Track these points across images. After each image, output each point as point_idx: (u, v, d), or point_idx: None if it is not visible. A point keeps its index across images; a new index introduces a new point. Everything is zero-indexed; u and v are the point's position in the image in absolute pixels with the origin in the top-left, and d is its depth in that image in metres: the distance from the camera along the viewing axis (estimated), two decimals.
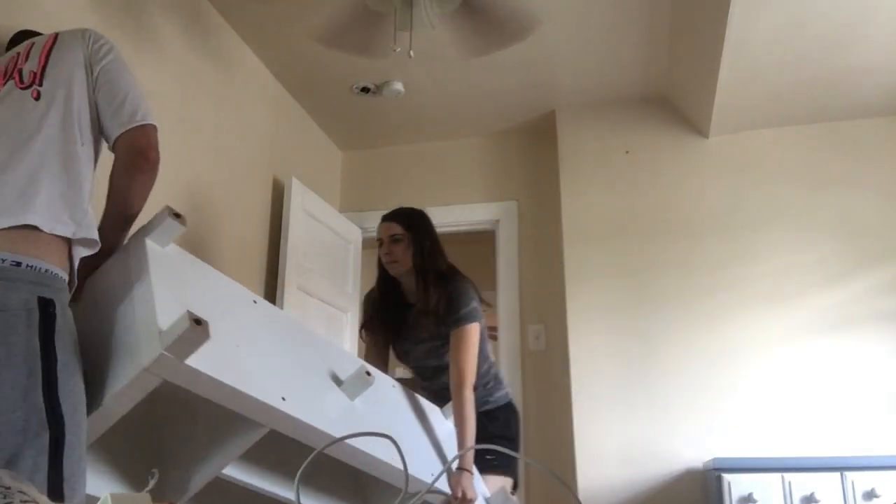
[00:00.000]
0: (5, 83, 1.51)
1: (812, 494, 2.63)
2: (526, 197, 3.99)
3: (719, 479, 2.73)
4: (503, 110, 3.86)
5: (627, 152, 3.64)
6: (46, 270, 1.26)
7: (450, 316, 2.35)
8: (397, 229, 2.47)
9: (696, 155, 3.56)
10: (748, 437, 3.12)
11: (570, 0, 2.95)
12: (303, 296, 3.42)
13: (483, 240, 4.07)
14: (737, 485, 2.70)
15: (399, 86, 3.59)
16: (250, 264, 3.28)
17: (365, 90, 3.63)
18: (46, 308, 1.23)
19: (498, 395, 2.59)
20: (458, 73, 3.48)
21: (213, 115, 3.03)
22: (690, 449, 3.15)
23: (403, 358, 2.59)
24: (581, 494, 3.15)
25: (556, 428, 3.50)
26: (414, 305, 2.48)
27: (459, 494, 2.04)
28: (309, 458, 1.02)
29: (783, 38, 2.80)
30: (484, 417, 2.38)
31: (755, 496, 2.66)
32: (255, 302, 1.60)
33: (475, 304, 2.40)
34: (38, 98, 1.45)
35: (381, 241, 2.50)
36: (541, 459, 3.48)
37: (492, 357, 2.65)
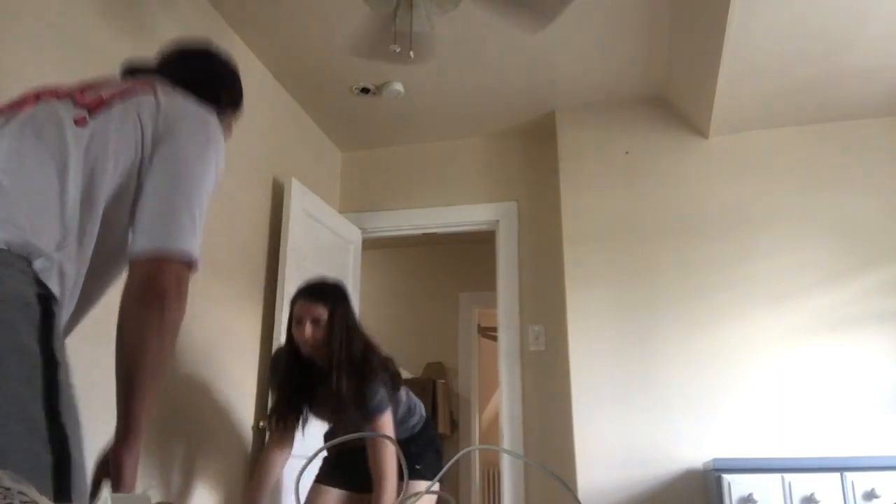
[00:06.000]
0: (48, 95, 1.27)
1: (812, 495, 2.63)
2: (526, 197, 3.99)
3: (719, 480, 2.73)
4: (503, 111, 3.86)
5: (627, 153, 3.64)
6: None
7: (361, 410, 2.35)
8: (321, 312, 2.40)
9: (696, 155, 3.56)
10: (748, 438, 3.12)
11: (570, 1, 2.95)
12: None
13: (483, 240, 4.07)
14: (737, 485, 2.70)
15: (399, 86, 3.59)
16: (250, 265, 3.27)
17: (365, 91, 3.63)
18: (48, 303, 1.05)
19: (413, 421, 2.68)
20: (458, 74, 3.48)
21: None
22: (690, 449, 3.15)
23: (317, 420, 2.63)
24: (581, 494, 3.15)
25: (556, 428, 3.50)
26: (323, 379, 2.43)
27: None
28: (310, 459, 1.02)
29: (783, 38, 2.80)
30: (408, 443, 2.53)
31: (755, 496, 2.66)
32: None
33: (382, 393, 2.40)
34: (80, 124, 1.18)
35: (298, 319, 2.42)
36: (541, 459, 3.48)
37: (410, 398, 2.71)
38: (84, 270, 1.17)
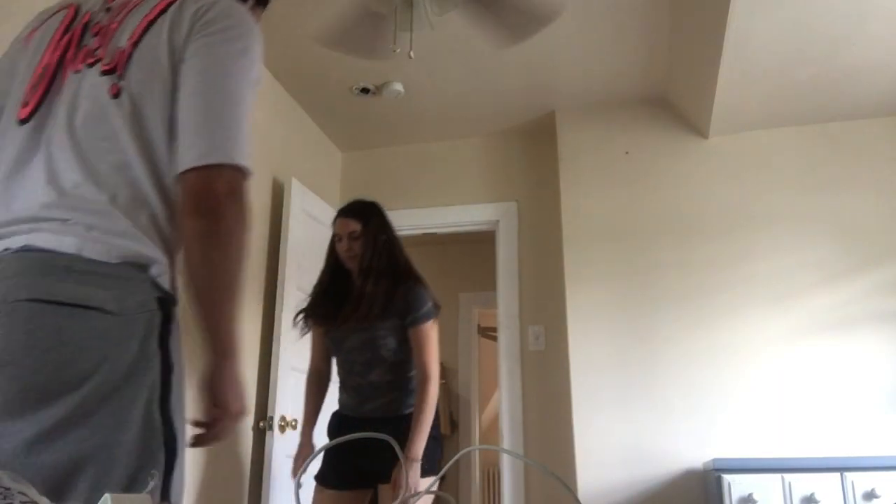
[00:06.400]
0: (71, 52, 1.17)
1: (812, 495, 2.63)
2: (526, 197, 3.99)
3: (719, 480, 2.73)
4: (503, 111, 3.86)
5: (627, 153, 3.64)
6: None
7: (409, 314, 2.45)
8: (355, 226, 2.54)
9: (696, 155, 3.56)
10: (748, 438, 3.12)
11: (570, 1, 2.95)
12: (302, 296, 3.40)
13: (483, 240, 4.07)
14: (737, 485, 2.70)
15: (399, 86, 3.59)
16: (250, 264, 3.28)
17: (365, 91, 3.63)
18: (167, 306, 1.07)
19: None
20: (458, 74, 3.48)
21: None
22: (690, 449, 3.15)
23: (335, 348, 2.62)
24: (581, 494, 3.15)
25: (556, 428, 3.50)
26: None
27: (408, 484, 2.25)
28: (310, 459, 1.02)
29: (783, 38, 2.80)
30: (405, 420, 2.45)
31: (755, 497, 2.66)
32: None
33: (431, 304, 2.51)
34: (117, 95, 1.11)
35: (339, 237, 2.57)
36: (541, 459, 3.48)
37: None
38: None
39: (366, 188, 4.21)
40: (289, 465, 3.11)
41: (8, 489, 0.63)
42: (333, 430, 2.59)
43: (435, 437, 2.51)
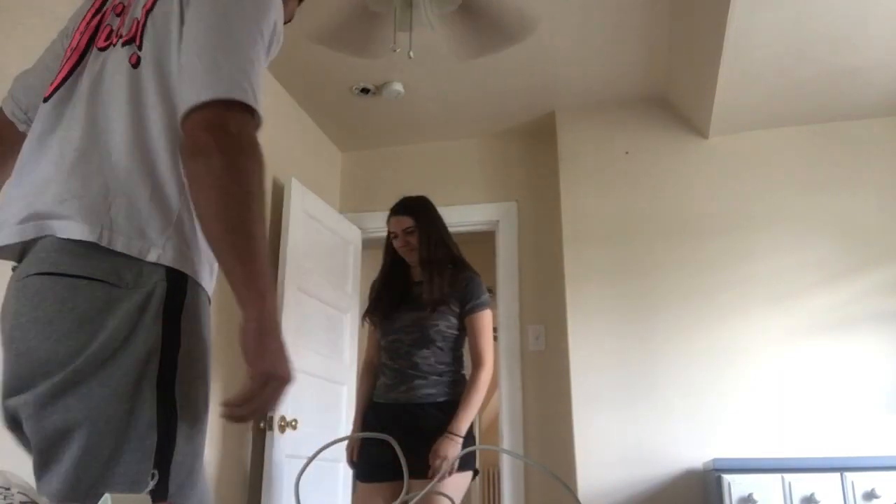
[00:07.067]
0: (99, 33, 1.17)
1: (812, 495, 2.63)
2: (526, 197, 3.99)
3: (719, 480, 2.73)
4: (503, 111, 3.86)
5: (627, 153, 3.64)
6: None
7: (469, 301, 2.58)
8: (408, 222, 2.68)
9: (696, 155, 3.56)
10: (748, 438, 3.12)
11: (569, 1, 2.95)
12: (302, 297, 3.42)
13: (483, 240, 4.07)
14: (737, 485, 2.70)
15: (399, 87, 3.59)
16: None
17: (365, 91, 3.63)
18: (177, 281, 1.02)
19: (460, 389, 2.63)
20: (457, 74, 3.48)
21: None
22: (690, 449, 3.15)
23: (382, 332, 2.67)
24: (581, 494, 3.15)
25: (556, 428, 3.50)
26: (419, 283, 2.64)
27: (444, 455, 2.34)
28: (310, 460, 1.02)
29: (783, 38, 2.80)
30: (434, 408, 2.49)
31: (755, 497, 2.66)
32: None
33: (487, 294, 2.65)
34: (136, 64, 1.10)
35: (394, 234, 2.71)
36: (541, 459, 3.48)
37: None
38: None
39: (366, 188, 4.22)
40: (289, 465, 3.11)
41: (8, 489, 0.63)
42: (371, 421, 2.61)
43: (473, 436, 2.58)
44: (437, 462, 2.34)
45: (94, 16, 1.22)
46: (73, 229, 0.99)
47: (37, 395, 0.94)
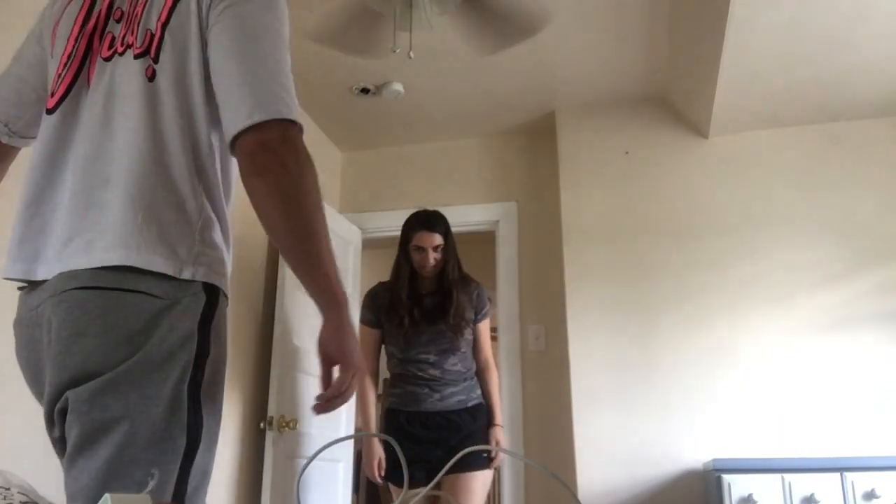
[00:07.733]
0: (97, 39, 1.15)
1: (812, 495, 2.63)
2: (526, 197, 3.99)
3: (719, 480, 2.73)
4: (503, 111, 3.86)
5: (627, 153, 3.64)
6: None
7: (480, 311, 2.84)
8: (440, 240, 2.76)
9: (696, 155, 3.56)
10: (748, 438, 3.11)
11: (570, 1, 2.95)
12: (302, 297, 3.40)
13: (483, 240, 4.07)
14: (737, 485, 2.70)
15: (399, 86, 3.59)
16: (249, 265, 3.28)
17: (365, 91, 3.63)
18: (213, 293, 1.06)
19: (478, 392, 2.84)
20: (457, 74, 3.48)
21: None
22: (690, 449, 3.15)
23: (405, 344, 2.76)
24: (581, 494, 3.15)
25: (556, 428, 3.50)
26: (428, 297, 2.80)
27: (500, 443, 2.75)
28: (310, 460, 1.02)
29: (783, 38, 2.80)
30: (466, 413, 2.73)
31: (755, 497, 2.65)
32: None
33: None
34: (152, 78, 1.09)
35: (422, 249, 2.75)
36: (541, 459, 3.48)
37: None
38: (229, 201, 1.15)
39: (366, 188, 4.22)
40: (289, 465, 3.11)
41: (8, 489, 0.63)
42: (397, 429, 2.68)
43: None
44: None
45: (86, 19, 1.19)
46: (110, 257, 1.01)
47: (89, 389, 0.96)
